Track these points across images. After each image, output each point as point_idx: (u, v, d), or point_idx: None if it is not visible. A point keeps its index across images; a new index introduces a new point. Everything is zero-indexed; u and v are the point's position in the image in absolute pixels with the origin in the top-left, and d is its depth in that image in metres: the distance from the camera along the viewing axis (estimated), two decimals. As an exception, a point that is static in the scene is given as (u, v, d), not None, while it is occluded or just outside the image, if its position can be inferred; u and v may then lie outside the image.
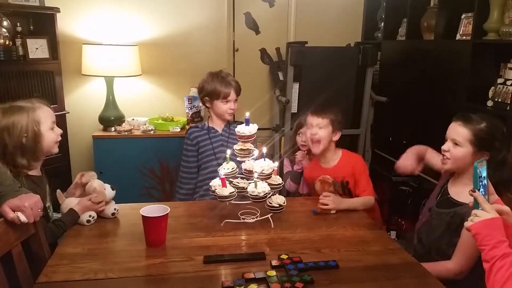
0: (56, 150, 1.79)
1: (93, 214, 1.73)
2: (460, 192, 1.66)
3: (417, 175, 2.82)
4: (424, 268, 1.44)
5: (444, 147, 1.68)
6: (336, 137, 2.13)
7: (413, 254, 1.60)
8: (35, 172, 1.76)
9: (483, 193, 1.19)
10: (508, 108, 2.17)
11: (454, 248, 1.60)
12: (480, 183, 1.20)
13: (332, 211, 1.88)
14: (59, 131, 1.79)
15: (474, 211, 1.18)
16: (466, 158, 1.62)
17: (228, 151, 1.81)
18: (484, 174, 1.21)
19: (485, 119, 1.61)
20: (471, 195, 1.19)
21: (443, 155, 1.68)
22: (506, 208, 1.21)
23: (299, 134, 2.46)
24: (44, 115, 1.72)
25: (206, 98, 2.31)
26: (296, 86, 3.15)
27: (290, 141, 2.61)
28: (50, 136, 1.73)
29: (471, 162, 1.59)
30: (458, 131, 1.63)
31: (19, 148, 1.64)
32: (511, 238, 1.16)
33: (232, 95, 2.27)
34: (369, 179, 2.11)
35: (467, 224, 1.17)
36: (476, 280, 1.41)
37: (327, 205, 1.87)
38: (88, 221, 1.70)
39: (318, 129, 2.09)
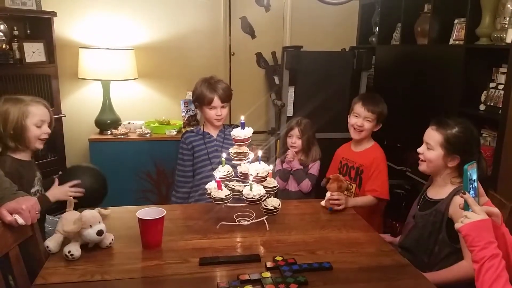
0: (39, 146, 1.94)
1: (74, 250, 1.47)
2: (437, 192, 1.73)
3: (411, 178, 2.88)
4: (416, 269, 1.46)
5: (419, 149, 1.77)
6: (377, 128, 2.31)
7: None
8: (24, 157, 1.91)
9: (473, 195, 1.21)
10: (500, 112, 2.19)
11: (443, 245, 1.64)
12: (470, 186, 1.22)
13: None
14: (46, 130, 1.93)
15: (464, 213, 1.20)
16: (438, 160, 1.69)
17: (224, 154, 1.83)
18: (474, 176, 1.24)
19: (458, 124, 1.68)
20: (462, 197, 1.22)
21: (419, 157, 1.78)
22: (495, 210, 1.24)
23: (289, 136, 2.55)
24: (34, 111, 1.89)
25: (196, 103, 2.34)
26: (291, 90, 3.17)
27: (281, 142, 2.72)
28: (33, 131, 1.88)
29: (443, 165, 1.69)
30: (431, 135, 1.72)
31: (9, 133, 1.84)
32: (500, 239, 1.19)
33: (216, 102, 2.26)
34: (386, 181, 2.23)
35: (457, 225, 1.20)
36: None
37: (341, 204, 1.96)
38: (66, 256, 1.46)
39: (366, 121, 2.26)
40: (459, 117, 1.76)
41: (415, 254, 1.73)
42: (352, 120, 2.31)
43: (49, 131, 1.94)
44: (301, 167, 2.52)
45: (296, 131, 2.53)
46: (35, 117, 1.88)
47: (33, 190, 1.88)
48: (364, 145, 2.34)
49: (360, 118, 2.27)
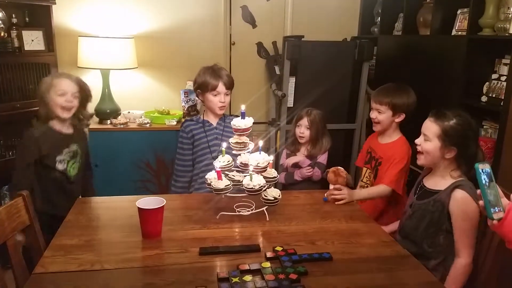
0: (63, 114, 2.10)
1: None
2: (436, 183, 1.72)
3: (411, 169, 2.86)
4: (416, 259, 1.47)
5: (416, 140, 1.76)
6: (398, 119, 2.21)
7: None
8: (66, 129, 2.15)
9: (489, 192, 1.11)
10: (501, 104, 2.18)
11: (444, 234, 1.65)
12: (485, 184, 1.12)
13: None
14: (67, 99, 2.09)
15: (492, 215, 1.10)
16: (435, 152, 1.68)
17: (224, 144, 1.82)
18: (489, 173, 1.14)
19: (457, 116, 1.66)
20: (478, 200, 1.13)
21: (417, 149, 1.76)
22: None
23: (298, 126, 2.51)
24: (56, 83, 2.10)
25: (198, 90, 2.33)
26: (292, 80, 3.15)
27: (290, 132, 2.64)
28: (54, 100, 2.07)
29: (440, 156, 1.68)
30: (428, 127, 1.70)
31: (41, 104, 2.11)
32: None
33: (221, 88, 2.26)
34: (399, 172, 2.13)
35: (490, 224, 1.11)
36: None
37: (342, 199, 1.93)
38: None
39: (378, 113, 2.21)
40: (459, 109, 1.74)
41: (415, 242, 1.73)
42: (370, 114, 2.28)
43: (71, 100, 2.10)
44: (309, 161, 2.48)
45: (305, 121, 2.47)
46: (56, 87, 2.08)
47: (59, 157, 2.09)
48: (388, 138, 2.25)
49: (374, 111, 2.23)
